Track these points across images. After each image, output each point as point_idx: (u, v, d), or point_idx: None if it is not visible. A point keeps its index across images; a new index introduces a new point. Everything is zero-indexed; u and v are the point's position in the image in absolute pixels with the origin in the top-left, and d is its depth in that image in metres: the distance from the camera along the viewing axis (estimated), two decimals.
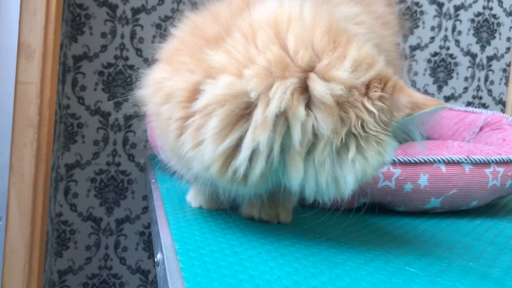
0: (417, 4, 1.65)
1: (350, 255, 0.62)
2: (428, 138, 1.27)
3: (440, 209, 0.92)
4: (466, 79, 1.72)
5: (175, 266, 0.52)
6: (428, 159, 0.88)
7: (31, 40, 1.01)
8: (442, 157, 0.89)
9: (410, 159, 0.87)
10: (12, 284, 1.02)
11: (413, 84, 1.68)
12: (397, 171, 0.86)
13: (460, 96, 1.72)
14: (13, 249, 1.02)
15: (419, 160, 0.87)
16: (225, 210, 0.81)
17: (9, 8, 0.99)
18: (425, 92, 1.69)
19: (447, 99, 1.71)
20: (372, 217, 0.88)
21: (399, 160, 0.86)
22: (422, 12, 1.66)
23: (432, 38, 1.68)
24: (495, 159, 0.92)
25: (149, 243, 1.53)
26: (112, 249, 1.50)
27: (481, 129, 1.23)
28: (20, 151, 1.01)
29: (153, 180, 1.03)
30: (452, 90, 1.71)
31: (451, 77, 1.71)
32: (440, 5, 1.67)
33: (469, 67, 1.71)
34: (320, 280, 0.52)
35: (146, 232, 1.52)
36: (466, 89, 1.72)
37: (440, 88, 1.70)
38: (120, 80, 1.45)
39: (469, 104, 1.72)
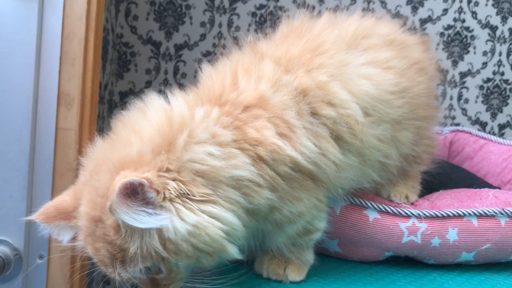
0: (467, 29, 1.58)
1: None
2: (474, 175, 1.21)
3: (474, 262, 0.87)
4: None
5: None
6: (458, 212, 0.83)
7: (70, 89, 1.06)
8: (473, 210, 0.84)
9: (437, 213, 0.83)
10: None
11: (464, 112, 1.60)
12: (423, 225, 0.82)
13: None
14: (54, 286, 1.07)
15: (447, 214, 0.83)
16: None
17: (49, 59, 1.05)
18: (477, 120, 1.61)
19: (502, 127, 1.62)
20: (397, 271, 0.85)
21: (424, 214, 0.82)
22: (473, 37, 1.59)
23: (485, 64, 1.60)
24: None
25: None
26: None
27: None
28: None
29: None
30: (508, 117, 1.62)
31: (507, 104, 1.61)
32: (493, 29, 1.59)
33: None
34: None
35: None
36: None
37: (494, 115, 1.61)
38: None
39: None
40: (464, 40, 1.59)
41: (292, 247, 0.75)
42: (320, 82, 0.71)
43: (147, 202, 0.58)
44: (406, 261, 0.89)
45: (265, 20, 1.51)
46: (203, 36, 1.50)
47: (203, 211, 0.60)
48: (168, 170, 0.60)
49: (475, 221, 0.84)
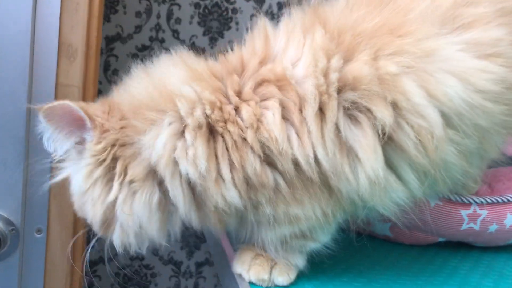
0: None
1: None
2: None
3: None
4: None
5: None
6: None
7: (73, 39, 0.90)
8: None
9: (498, 199, 0.78)
10: None
11: None
12: (484, 212, 0.78)
13: None
14: (54, 262, 0.96)
15: (507, 199, 0.79)
16: None
17: (49, 5, 0.88)
18: None
19: None
20: (450, 255, 0.81)
21: (486, 201, 0.78)
22: None
23: None
24: None
25: (181, 233, 1.47)
26: None
27: None
28: None
29: None
30: None
31: None
32: None
33: None
34: None
35: None
36: None
37: None
38: None
39: None
40: None
41: (280, 246, 0.64)
42: (385, 74, 0.55)
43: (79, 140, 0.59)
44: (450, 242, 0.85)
45: None
46: None
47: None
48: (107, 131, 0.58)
49: None
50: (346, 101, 0.55)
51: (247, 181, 0.56)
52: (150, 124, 0.56)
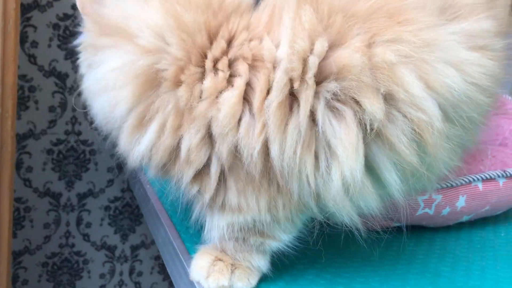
0: None
1: None
2: None
3: (467, 221, 0.87)
4: None
5: None
6: (468, 179, 0.80)
7: None
8: (481, 175, 0.81)
9: (452, 182, 0.78)
10: None
11: None
12: (439, 197, 0.78)
13: None
14: None
15: (460, 182, 0.79)
16: None
17: None
18: None
19: None
20: (405, 239, 0.80)
21: (441, 186, 0.77)
22: None
23: None
24: None
25: (114, 218, 1.39)
26: (74, 225, 1.35)
27: None
28: None
29: (148, 186, 0.88)
30: None
31: None
32: None
33: None
34: None
35: (112, 207, 1.37)
36: None
37: None
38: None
39: None
40: None
41: (242, 242, 0.60)
42: (381, 63, 0.49)
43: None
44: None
45: None
46: None
47: None
48: None
49: (480, 186, 0.81)
50: (329, 92, 0.49)
51: (175, 151, 0.52)
52: (102, 49, 0.54)
